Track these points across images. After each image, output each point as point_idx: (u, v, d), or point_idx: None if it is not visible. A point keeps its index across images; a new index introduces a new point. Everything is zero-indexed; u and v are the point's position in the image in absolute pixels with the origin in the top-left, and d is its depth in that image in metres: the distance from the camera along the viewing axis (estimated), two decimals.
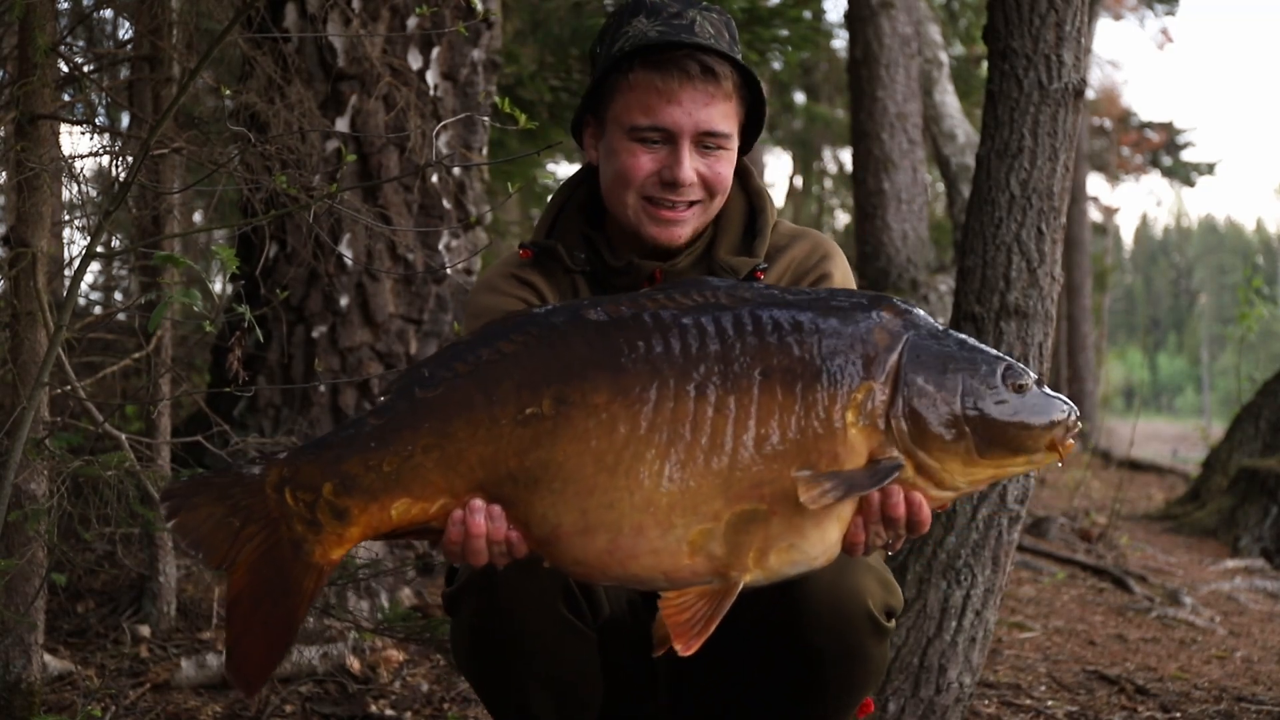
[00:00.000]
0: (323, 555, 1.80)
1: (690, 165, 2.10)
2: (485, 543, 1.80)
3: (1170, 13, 23.25)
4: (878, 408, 1.77)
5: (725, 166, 2.14)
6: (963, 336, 1.85)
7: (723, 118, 2.10)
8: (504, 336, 1.82)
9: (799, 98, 16.88)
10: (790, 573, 1.82)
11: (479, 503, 1.79)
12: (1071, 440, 1.83)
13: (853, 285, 2.25)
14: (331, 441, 1.81)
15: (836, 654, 2.06)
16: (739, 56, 2.13)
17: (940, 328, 1.85)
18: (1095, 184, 28.55)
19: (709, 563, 1.77)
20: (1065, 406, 1.83)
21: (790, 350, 1.77)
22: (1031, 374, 1.83)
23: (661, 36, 2.08)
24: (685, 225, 2.15)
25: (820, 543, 1.79)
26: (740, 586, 1.79)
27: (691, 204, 2.14)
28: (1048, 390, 1.84)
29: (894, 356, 1.78)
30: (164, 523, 1.80)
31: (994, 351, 1.85)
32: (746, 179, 2.29)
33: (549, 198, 2.39)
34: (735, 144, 2.16)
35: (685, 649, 1.77)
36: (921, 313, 1.86)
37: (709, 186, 2.13)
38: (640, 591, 2.10)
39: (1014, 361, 1.84)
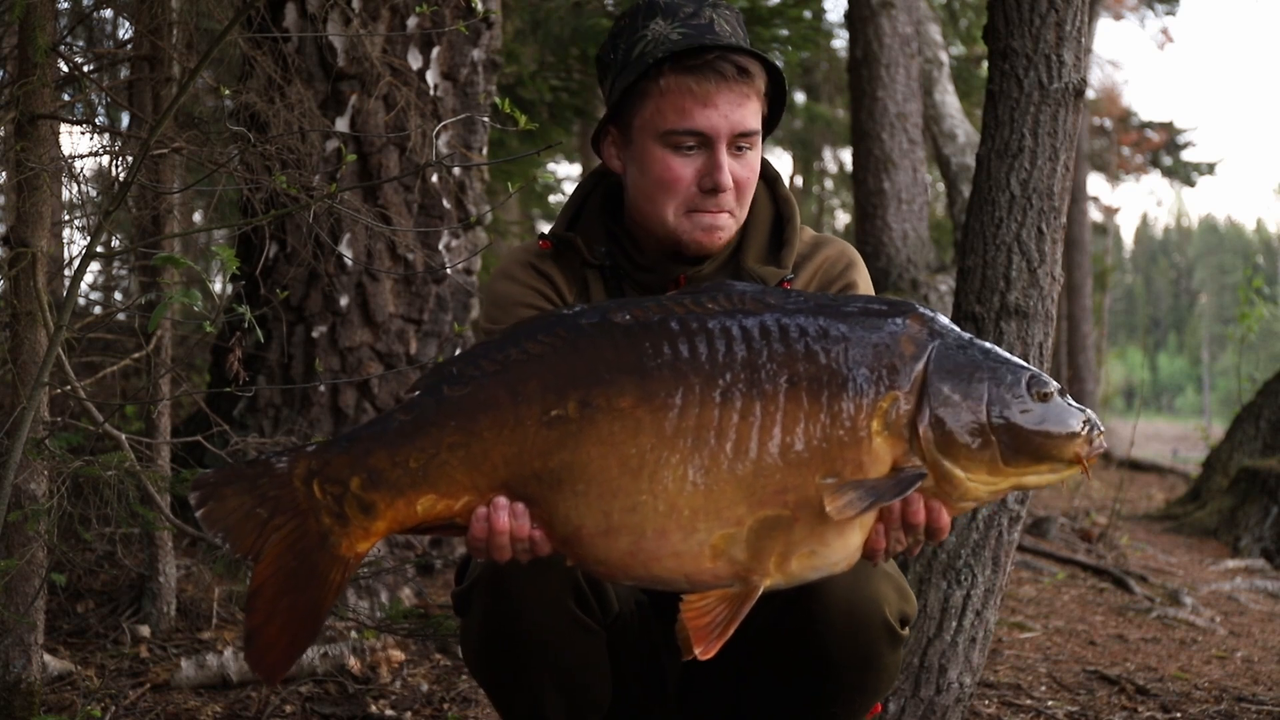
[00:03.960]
0: (349, 548, 1.82)
1: (729, 169, 2.09)
2: (508, 540, 1.81)
3: (1170, 13, 23.26)
4: (902, 416, 1.77)
5: (755, 167, 2.14)
6: (987, 345, 1.86)
7: (754, 116, 2.10)
8: (532, 337, 1.84)
9: (799, 98, 16.88)
10: (811, 577, 1.83)
11: (503, 500, 1.80)
12: (1095, 453, 1.83)
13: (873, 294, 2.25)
14: (360, 435, 1.83)
15: (852, 661, 2.06)
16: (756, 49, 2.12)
17: (966, 336, 1.85)
18: (1095, 184, 28.58)
19: (730, 567, 1.78)
20: (1088, 415, 1.84)
21: (816, 358, 1.78)
22: (1055, 384, 1.84)
23: (686, 39, 2.06)
24: (725, 229, 2.14)
25: (842, 549, 1.80)
26: (760, 591, 1.80)
27: (726, 207, 2.13)
28: (1070, 400, 1.85)
29: (919, 365, 1.79)
30: (193, 511, 1.83)
31: (1018, 360, 1.86)
32: (775, 186, 2.28)
33: (572, 189, 2.37)
34: (760, 141, 2.15)
35: (705, 652, 1.78)
36: (946, 320, 1.87)
37: (740, 187, 2.13)
38: (654, 591, 2.11)
39: (1038, 371, 1.85)
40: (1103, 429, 1.85)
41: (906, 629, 2.10)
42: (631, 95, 2.11)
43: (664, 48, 2.06)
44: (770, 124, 2.19)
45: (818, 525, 1.76)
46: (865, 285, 2.24)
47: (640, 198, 2.15)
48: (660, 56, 2.05)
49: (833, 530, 1.77)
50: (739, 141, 2.09)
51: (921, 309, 1.86)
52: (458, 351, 4.61)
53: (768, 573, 1.79)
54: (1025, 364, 1.85)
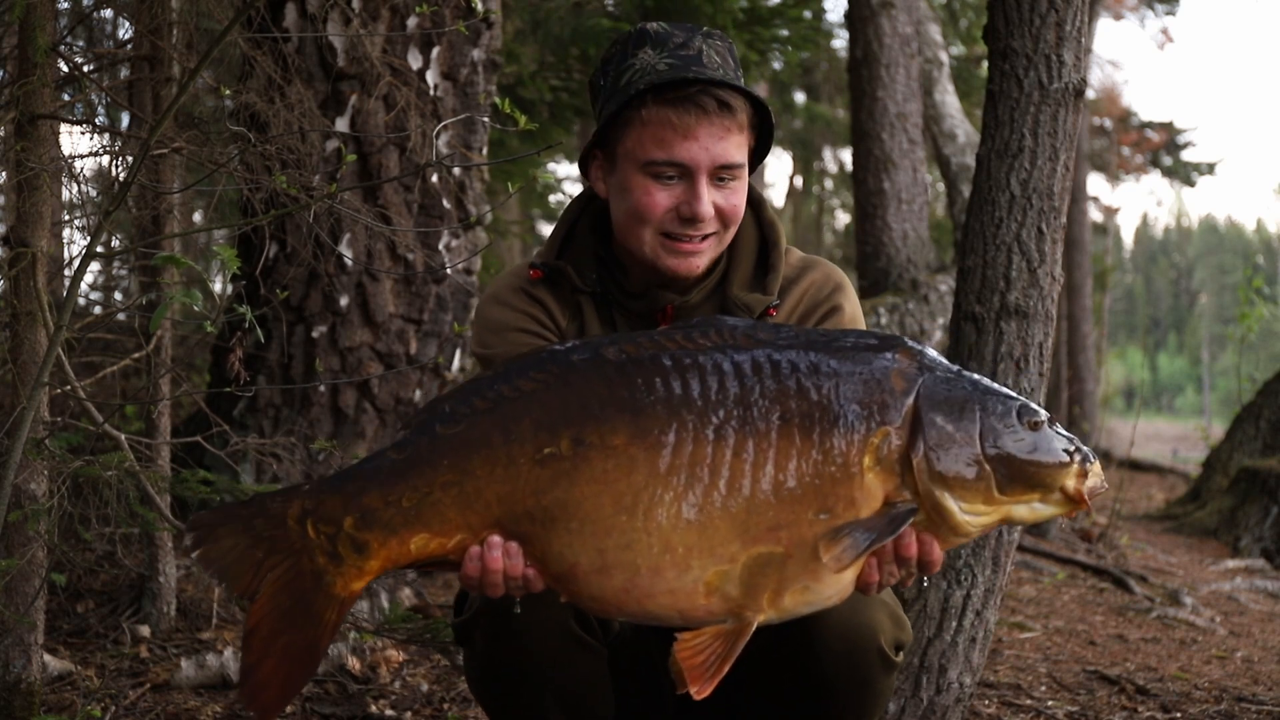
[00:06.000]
0: (344, 587, 1.83)
1: (708, 200, 2.09)
2: (502, 578, 1.82)
3: (1170, 13, 23.22)
4: (894, 451, 1.79)
5: (739, 197, 2.14)
6: (975, 376, 1.88)
7: (737, 149, 2.10)
8: (523, 374, 1.84)
9: (799, 98, 16.88)
10: (804, 612, 1.84)
11: (497, 539, 1.81)
12: (1096, 492, 1.85)
13: (861, 319, 2.26)
14: (353, 475, 1.84)
15: (848, 686, 2.08)
16: (742, 82, 2.13)
17: (954, 368, 1.87)
18: (1095, 184, 28.55)
19: (724, 603, 1.79)
20: (1079, 443, 1.86)
21: (808, 395, 1.79)
22: (1044, 412, 1.86)
23: (672, 70, 2.07)
24: (702, 256, 2.15)
25: (835, 584, 1.81)
26: (754, 626, 1.81)
27: (706, 236, 2.14)
28: (1059, 429, 1.87)
29: (910, 400, 1.81)
30: (188, 553, 1.84)
31: (1007, 390, 1.88)
32: (759, 210, 2.28)
33: (559, 215, 2.38)
34: (746, 172, 2.16)
35: (700, 692, 1.79)
36: (934, 353, 1.88)
37: (724, 218, 2.13)
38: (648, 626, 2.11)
39: (1027, 400, 1.87)
40: (1094, 459, 1.87)
41: (900, 655, 2.12)
42: (616, 123, 2.12)
43: (649, 78, 2.07)
44: (759, 155, 2.20)
45: (811, 561, 1.77)
46: (852, 309, 2.25)
47: (621, 223, 2.17)
48: (643, 87, 2.06)
49: (826, 566, 1.78)
50: (721, 173, 2.10)
51: (910, 343, 1.88)
52: (455, 354, 4.61)
53: (761, 609, 1.80)
54: (1014, 394, 1.87)
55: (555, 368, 1.84)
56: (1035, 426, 1.83)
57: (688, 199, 2.09)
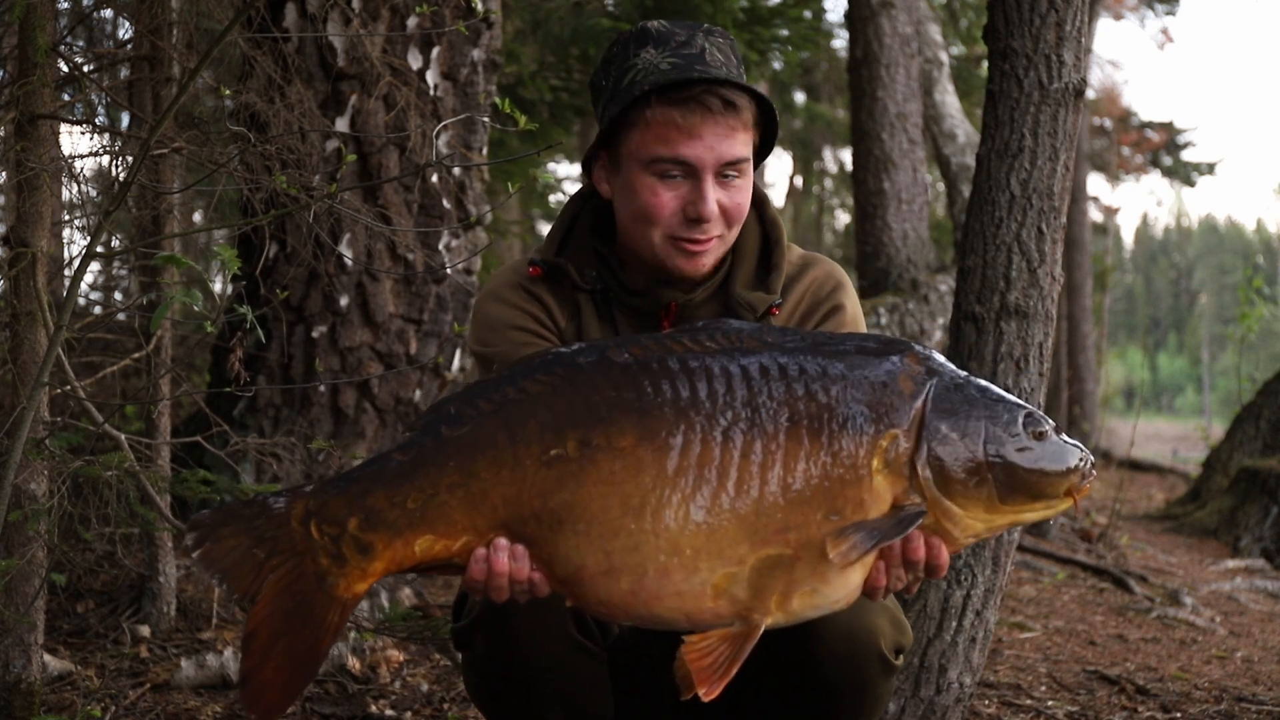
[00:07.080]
0: (347, 588, 1.82)
1: (713, 199, 2.09)
2: (507, 581, 1.81)
3: (1170, 13, 23.23)
4: (902, 454, 1.79)
5: (744, 195, 2.14)
6: (983, 383, 1.88)
7: (741, 145, 2.10)
8: (529, 376, 1.83)
9: (799, 98, 16.89)
10: (812, 615, 1.83)
11: (503, 541, 1.80)
12: (1087, 485, 1.86)
13: (861, 318, 2.26)
14: (358, 476, 1.82)
15: (848, 690, 2.08)
16: (745, 80, 2.12)
17: (962, 374, 1.87)
18: (1095, 184, 28.55)
19: (732, 606, 1.79)
20: (1082, 453, 1.86)
21: (816, 397, 1.79)
22: (1050, 421, 1.86)
23: (675, 69, 2.06)
24: (709, 255, 2.14)
25: (843, 587, 1.81)
26: (762, 629, 1.80)
27: (712, 235, 2.13)
28: (1065, 437, 1.87)
29: (918, 404, 1.80)
30: (189, 554, 1.82)
31: (1014, 399, 1.87)
32: (762, 208, 2.27)
33: (559, 212, 2.37)
34: (751, 169, 2.15)
35: (708, 694, 1.78)
36: (941, 358, 1.88)
37: (729, 216, 2.13)
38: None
39: (1034, 409, 1.87)
40: (1094, 462, 1.88)
41: (900, 658, 2.12)
42: (620, 124, 2.11)
43: (652, 78, 2.06)
44: (763, 152, 2.19)
45: (819, 564, 1.77)
46: (853, 307, 2.25)
47: (627, 223, 2.16)
48: (648, 87, 2.05)
49: (834, 568, 1.78)
50: (726, 170, 2.09)
51: (917, 346, 1.87)
52: (456, 354, 4.61)
53: (769, 611, 1.79)
54: (1021, 402, 1.87)
55: (561, 370, 1.83)
56: (1040, 436, 1.83)
57: (693, 199, 2.08)
